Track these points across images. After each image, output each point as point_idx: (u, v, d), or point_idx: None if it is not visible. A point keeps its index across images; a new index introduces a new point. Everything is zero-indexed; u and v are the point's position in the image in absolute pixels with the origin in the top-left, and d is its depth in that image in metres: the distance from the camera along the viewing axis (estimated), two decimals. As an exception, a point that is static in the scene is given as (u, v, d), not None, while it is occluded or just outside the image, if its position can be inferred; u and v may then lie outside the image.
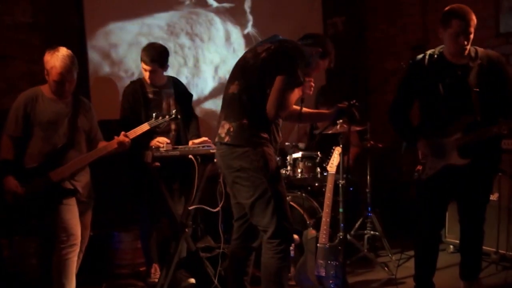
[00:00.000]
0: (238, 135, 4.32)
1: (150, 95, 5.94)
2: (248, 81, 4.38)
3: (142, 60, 5.86)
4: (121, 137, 5.15)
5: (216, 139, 4.49)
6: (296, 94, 4.34)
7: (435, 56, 4.84)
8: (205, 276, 5.59)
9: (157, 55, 5.84)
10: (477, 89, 4.68)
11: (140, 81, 6.03)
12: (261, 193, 4.29)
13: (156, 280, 5.75)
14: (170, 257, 5.53)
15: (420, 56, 4.93)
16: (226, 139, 4.35)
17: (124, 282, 6.24)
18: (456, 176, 4.79)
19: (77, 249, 5.03)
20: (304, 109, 4.52)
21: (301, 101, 4.52)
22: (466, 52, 4.74)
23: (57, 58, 4.94)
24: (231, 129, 4.35)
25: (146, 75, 5.89)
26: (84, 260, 5.35)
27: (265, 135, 4.33)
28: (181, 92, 6.12)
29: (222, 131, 4.41)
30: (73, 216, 5.02)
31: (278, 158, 5.66)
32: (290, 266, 4.59)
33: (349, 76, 8.38)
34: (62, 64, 4.94)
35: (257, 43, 4.72)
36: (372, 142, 6.56)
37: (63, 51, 4.99)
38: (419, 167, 4.94)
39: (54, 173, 4.97)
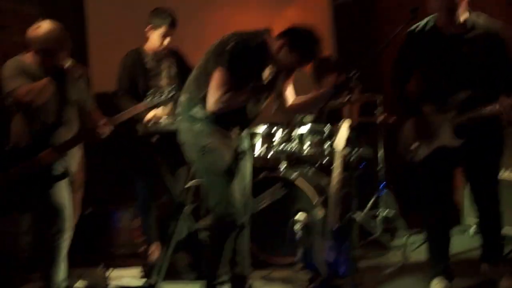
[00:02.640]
0: (183, 111, 4.59)
1: (149, 65, 5.75)
2: (199, 65, 4.58)
3: (159, 25, 5.67)
4: (101, 126, 4.84)
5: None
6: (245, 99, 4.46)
7: (428, 25, 4.56)
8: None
9: (174, 20, 5.71)
10: (472, 62, 4.38)
11: (138, 51, 5.83)
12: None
13: (155, 259, 5.63)
14: (169, 237, 5.31)
15: (416, 25, 4.63)
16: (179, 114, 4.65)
17: (122, 262, 6.03)
18: (454, 156, 4.53)
19: (67, 234, 4.76)
20: (292, 101, 4.80)
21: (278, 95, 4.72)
22: (459, 21, 4.41)
23: (46, 34, 4.56)
24: (182, 106, 4.61)
25: (158, 40, 5.70)
26: (82, 239, 5.20)
27: (201, 114, 4.47)
28: (180, 63, 5.91)
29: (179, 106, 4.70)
30: (64, 198, 4.73)
31: (283, 132, 5.57)
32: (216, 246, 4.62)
33: (360, 47, 8.04)
34: (53, 40, 4.57)
35: None
36: (383, 115, 6.22)
37: (48, 24, 4.60)
38: (414, 148, 4.69)
39: (43, 155, 4.62)
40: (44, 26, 4.59)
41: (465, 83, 4.38)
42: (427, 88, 4.59)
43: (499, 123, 4.60)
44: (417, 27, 4.60)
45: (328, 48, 7.54)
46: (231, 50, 4.33)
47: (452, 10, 4.36)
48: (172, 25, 5.69)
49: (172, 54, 5.88)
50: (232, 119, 4.52)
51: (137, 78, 5.64)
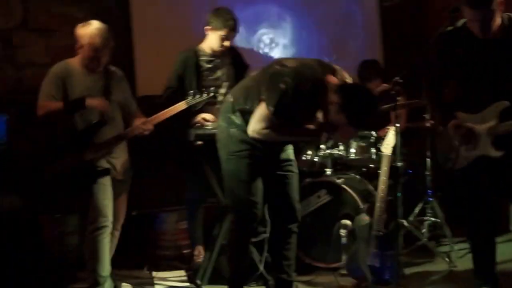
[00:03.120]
0: (222, 111, 4.62)
1: (205, 64, 5.66)
2: (259, 77, 4.48)
3: (220, 28, 5.53)
4: (139, 125, 4.97)
5: None
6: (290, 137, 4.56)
7: (462, 28, 4.38)
8: (250, 262, 5.23)
9: (236, 23, 5.60)
10: (509, 68, 4.25)
11: (194, 49, 5.71)
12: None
13: (200, 262, 5.56)
14: (214, 240, 5.31)
15: (450, 28, 4.47)
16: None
17: (167, 264, 6.07)
18: (496, 165, 4.36)
19: (107, 230, 4.86)
20: None
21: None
22: (495, 26, 4.25)
23: (92, 32, 4.75)
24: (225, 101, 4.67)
25: (218, 41, 5.58)
26: (126, 240, 5.23)
27: (238, 122, 4.46)
28: (237, 61, 5.83)
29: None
30: (106, 196, 4.84)
31: None
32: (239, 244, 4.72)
33: (407, 50, 7.98)
34: (98, 39, 4.74)
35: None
36: (432, 121, 6.10)
37: (97, 24, 4.82)
38: (452, 156, 4.55)
39: (88, 152, 4.75)
40: (92, 23, 4.80)
41: (503, 90, 4.27)
42: (463, 95, 4.48)
43: None
44: (449, 31, 4.46)
45: (375, 52, 7.54)
46: (283, 93, 4.20)
47: (488, 21, 4.21)
48: (234, 29, 5.58)
49: (229, 53, 5.76)
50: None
51: (191, 77, 5.56)
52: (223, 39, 5.53)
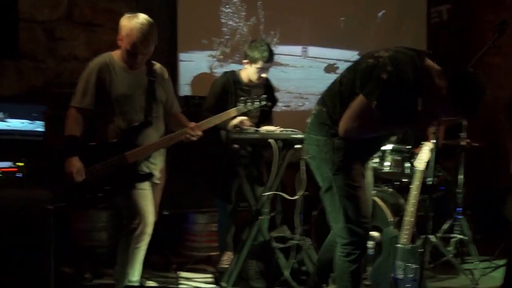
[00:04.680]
0: (314, 122, 4.20)
1: (240, 92, 5.69)
2: (348, 77, 4.10)
3: (255, 58, 5.58)
4: (188, 130, 4.83)
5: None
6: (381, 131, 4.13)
7: None
8: (275, 267, 5.36)
9: (272, 53, 5.63)
10: None
11: (234, 75, 5.81)
12: (328, 186, 4.12)
13: (227, 266, 5.53)
14: (242, 244, 5.32)
15: None
16: (308, 123, 4.23)
17: (194, 266, 6.11)
18: None
19: (148, 238, 4.73)
20: None
21: None
22: None
23: (134, 26, 4.48)
24: (313, 113, 4.24)
25: (255, 74, 5.64)
26: (156, 239, 5.06)
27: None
28: (269, 95, 5.75)
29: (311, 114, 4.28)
30: (148, 202, 4.70)
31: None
32: (361, 268, 4.30)
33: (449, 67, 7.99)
34: (139, 34, 4.47)
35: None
36: (468, 140, 6.14)
37: (142, 19, 4.53)
38: None
39: (130, 154, 4.62)
40: (138, 17, 4.54)
41: None
42: None
43: None
44: None
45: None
46: (386, 83, 3.84)
47: None
48: (269, 60, 5.61)
49: (264, 85, 5.84)
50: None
51: (226, 101, 5.61)
52: (260, 71, 5.61)
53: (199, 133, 4.84)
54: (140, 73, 4.73)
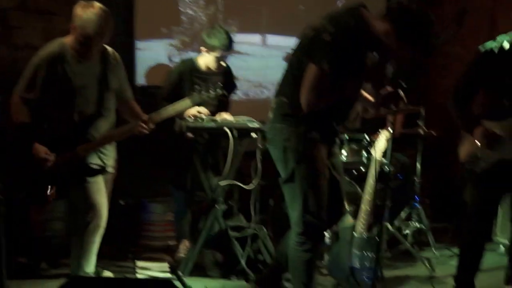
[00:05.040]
0: (277, 113, 4.11)
1: (197, 80, 5.61)
2: (295, 58, 4.06)
3: (214, 46, 5.51)
4: (140, 124, 4.68)
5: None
6: (338, 92, 3.96)
7: (507, 43, 4.46)
8: (232, 257, 5.36)
9: (231, 40, 5.57)
10: None
11: (191, 63, 5.73)
12: (290, 176, 4.03)
13: (184, 255, 5.57)
14: (199, 234, 5.33)
15: (492, 44, 4.54)
16: (270, 114, 4.16)
17: (151, 255, 6.05)
18: (511, 173, 4.47)
19: (102, 230, 4.71)
20: None
21: None
22: None
23: (89, 17, 4.30)
24: (274, 106, 4.16)
25: (214, 62, 5.58)
26: (112, 229, 5.08)
27: (304, 114, 3.99)
28: (228, 81, 5.79)
29: (271, 105, 4.20)
30: (101, 194, 4.67)
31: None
32: (315, 259, 4.30)
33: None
34: (94, 26, 4.30)
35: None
36: (425, 129, 6.16)
37: (97, 9, 4.34)
38: (473, 159, 4.61)
39: (82, 149, 4.55)
40: (94, 6, 4.36)
41: None
42: (496, 104, 4.55)
43: None
44: (492, 46, 4.51)
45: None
46: (331, 43, 3.78)
47: None
48: (229, 48, 5.57)
49: (223, 72, 5.77)
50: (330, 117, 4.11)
51: (183, 89, 5.56)
52: (219, 59, 5.57)
53: (152, 126, 4.71)
54: (93, 62, 4.60)
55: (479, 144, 4.51)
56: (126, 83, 4.88)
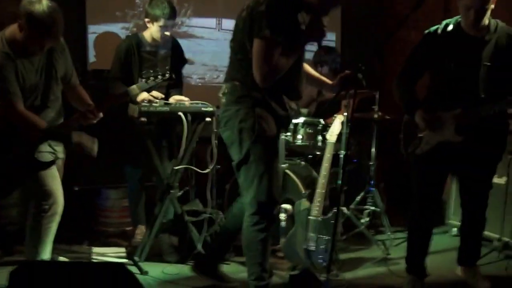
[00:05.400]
0: (231, 98, 4.18)
1: (145, 54, 5.62)
2: (237, 43, 4.18)
3: (156, 15, 5.47)
4: (89, 115, 4.52)
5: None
6: (290, 58, 4.03)
7: (451, 26, 4.53)
8: (188, 241, 5.38)
9: (173, 9, 5.55)
10: (488, 64, 4.38)
11: (136, 37, 5.70)
12: (245, 156, 4.10)
13: (140, 241, 5.50)
14: (154, 218, 5.30)
15: (436, 26, 4.61)
16: (223, 100, 4.24)
17: (107, 241, 6.05)
18: (454, 156, 4.54)
19: (59, 217, 4.67)
20: (309, 70, 4.52)
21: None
22: (482, 25, 4.41)
23: (40, 18, 4.12)
24: (226, 91, 4.23)
25: (158, 32, 5.55)
26: (68, 215, 5.03)
27: (259, 95, 4.10)
28: (177, 56, 5.82)
29: (221, 91, 4.27)
30: (57, 181, 4.62)
31: None
32: (269, 238, 4.34)
33: (365, 41, 8.05)
34: (45, 29, 4.16)
35: None
36: (379, 113, 6.21)
37: (46, 7, 4.15)
38: (415, 141, 4.68)
39: (31, 139, 4.44)
40: (42, 3, 4.16)
41: (479, 83, 4.41)
42: (439, 86, 4.60)
43: (505, 127, 4.68)
44: (436, 29, 4.58)
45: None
46: (266, 12, 3.89)
47: (484, 10, 4.35)
48: (171, 17, 5.52)
49: (170, 44, 5.76)
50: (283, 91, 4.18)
51: (132, 66, 5.55)
52: (163, 29, 5.54)
53: (100, 115, 4.58)
54: (39, 56, 4.43)
55: (421, 127, 4.58)
56: (71, 68, 4.74)
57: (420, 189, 4.73)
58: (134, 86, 4.70)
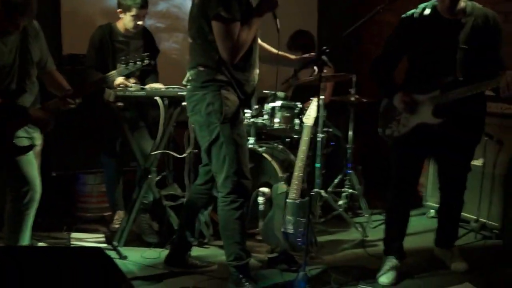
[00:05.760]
0: (196, 82, 4.30)
1: (118, 44, 5.63)
2: (194, 29, 4.29)
3: (128, 5, 5.47)
4: (67, 99, 4.48)
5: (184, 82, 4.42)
6: (250, 31, 4.18)
7: (428, 10, 4.55)
8: (167, 225, 5.39)
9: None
10: (465, 47, 4.41)
11: (109, 27, 5.68)
12: (214, 138, 4.25)
13: (119, 226, 5.52)
14: (132, 203, 5.30)
15: (413, 10, 4.64)
16: (188, 85, 4.37)
17: (86, 227, 6.02)
18: (432, 138, 4.58)
19: (36, 204, 4.63)
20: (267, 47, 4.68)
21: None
22: (458, 8, 4.44)
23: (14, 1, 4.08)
24: (191, 77, 4.34)
25: (131, 22, 5.54)
26: (46, 201, 4.98)
27: (224, 78, 4.24)
28: (149, 45, 5.81)
29: (186, 79, 4.40)
30: (34, 167, 4.57)
31: (256, 106, 5.46)
32: (244, 217, 4.39)
33: (341, 25, 8.07)
34: (21, 8, 4.11)
35: None
36: (356, 96, 6.24)
37: None
38: (393, 124, 4.73)
39: (8, 125, 4.38)
40: None
41: (456, 65, 4.43)
42: (417, 70, 4.64)
43: (483, 109, 4.71)
44: (413, 12, 4.61)
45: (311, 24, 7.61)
46: None
47: (453, 2, 4.40)
48: (143, 6, 5.52)
49: (142, 34, 5.77)
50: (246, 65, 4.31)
51: (106, 56, 5.55)
52: (136, 18, 5.53)
53: (78, 100, 4.55)
54: (12, 37, 4.36)
55: (399, 110, 4.62)
56: (47, 53, 4.69)
57: (398, 171, 4.77)
58: (113, 72, 4.70)
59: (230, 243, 4.40)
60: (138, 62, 4.72)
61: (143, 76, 5.66)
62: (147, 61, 4.78)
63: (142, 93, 5.10)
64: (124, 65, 4.69)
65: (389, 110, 4.74)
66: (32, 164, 4.57)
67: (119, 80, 5.25)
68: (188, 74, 4.36)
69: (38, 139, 4.66)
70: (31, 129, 4.55)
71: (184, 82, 4.38)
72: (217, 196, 4.42)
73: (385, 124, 4.80)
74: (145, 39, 5.77)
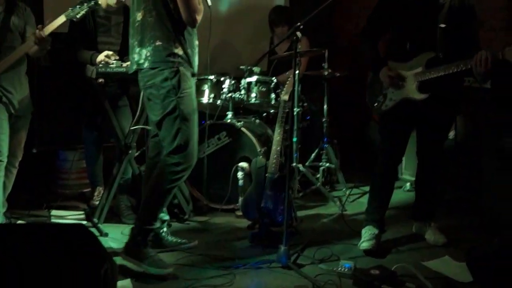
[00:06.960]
0: (155, 58, 4.27)
1: (100, 20, 5.62)
2: (149, 4, 4.27)
3: None
4: (36, 33, 4.64)
5: (134, 67, 4.38)
6: None
7: None
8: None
9: None
10: (443, 26, 4.50)
11: None
12: (170, 110, 4.24)
13: (98, 202, 5.48)
14: (112, 179, 5.31)
15: None
16: (146, 64, 4.30)
17: (66, 204, 6.01)
18: (416, 111, 4.64)
19: (2, 166, 4.68)
20: None
21: None
22: None
23: None
24: (148, 54, 4.29)
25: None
26: (26, 178, 5.03)
27: (181, 53, 4.27)
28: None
29: (139, 58, 4.33)
30: (2, 131, 4.63)
31: (232, 82, 5.49)
32: (176, 188, 4.48)
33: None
34: None
35: None
36: (329, 70, 6.29)
37: None
38: (380, 98, 4.79)
39: None
40: None
41: (437, 44, 4.52)
42: (399, 46, 4.70)
43: (461, 84, 4.83)
44: None
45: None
46: None
47: None
48: None
49: (123, 10, 5.72)
50: None
51: (87, 31, 5.55)
52: None
53: (43, 34, 4.66)
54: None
55: (385, 85, 4.68)
56: (33, 29, 4.82)
57: (385, 144, 4.84)
58: (61, 16, 4.77)
59: (148, 207, 4.36)
60: (84, 4, 4.82)
61: (123, 53, 5.64)
62: (93, 2, 4.86)
63: (122, 69, 5.07)
64: (70, 9, 4.79)
65: (375, 84, 4.80)
66: (0, 127, 4.63)
67: (101, 57, 5.26)
68: (143, 53, 4.28)
69: (15, 106, 4.74)
70: (9, 92, 4.68)
71: (141, 61, 4.30)
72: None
73: (372, 97, 4.87)
74: (126, 15, 5.68)
